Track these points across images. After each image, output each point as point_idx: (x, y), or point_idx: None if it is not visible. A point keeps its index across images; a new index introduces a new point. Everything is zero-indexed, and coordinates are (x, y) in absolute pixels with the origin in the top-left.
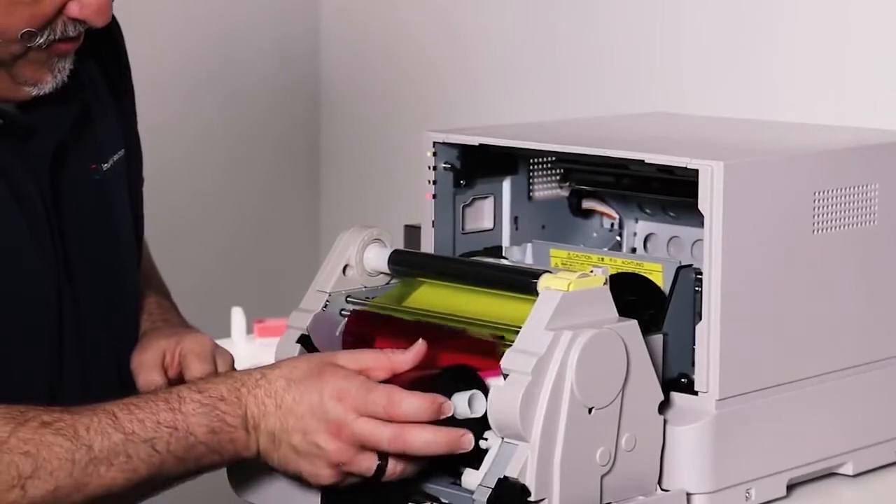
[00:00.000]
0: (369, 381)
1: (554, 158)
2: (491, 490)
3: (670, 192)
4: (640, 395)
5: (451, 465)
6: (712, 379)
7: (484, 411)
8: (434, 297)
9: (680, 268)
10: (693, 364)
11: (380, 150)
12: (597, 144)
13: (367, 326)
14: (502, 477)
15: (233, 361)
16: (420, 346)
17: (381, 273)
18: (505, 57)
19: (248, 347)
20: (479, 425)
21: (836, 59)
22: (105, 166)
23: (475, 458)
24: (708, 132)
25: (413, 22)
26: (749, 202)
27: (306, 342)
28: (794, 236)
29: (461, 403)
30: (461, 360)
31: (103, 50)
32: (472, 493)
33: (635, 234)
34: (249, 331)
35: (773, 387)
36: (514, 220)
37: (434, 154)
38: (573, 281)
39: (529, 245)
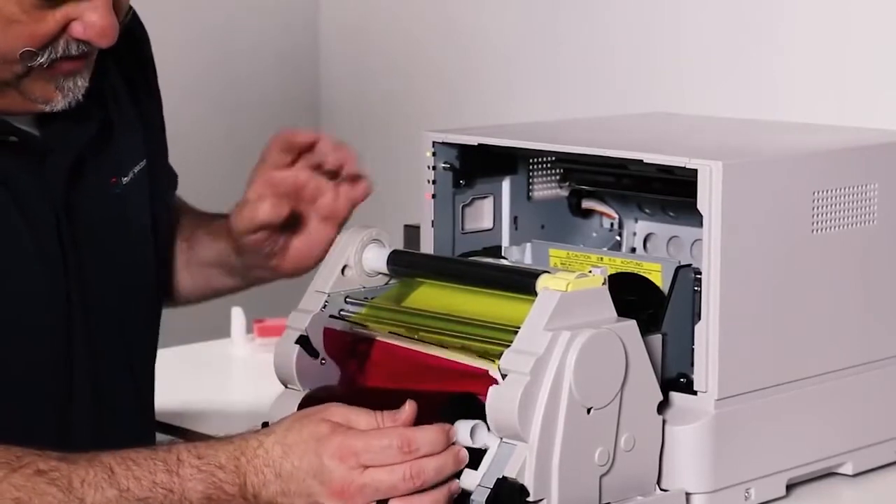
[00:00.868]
0: (370, 431)
1: (553, 158)
2: (490, 490)
3: (670, 192)
4: (638, 395)
5: None
6: (711, 379)
7: (483, 444)
8: (433, 298)
9: (679, 268)
10: (692, 364)
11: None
12: (596, 144)
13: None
14: (501, 477)
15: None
16: (410, 408)
17: (380, 273)
18: (505, 57)
19: (248, 347)
20: (477, 454)
21: (836, 59)
22: (125, 179)
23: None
24: (707, 132)
25: (413, 22)
26: (748, 202)
27: (305, 343)
28: (793, 236)
29: (463, 432)
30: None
31: (127, 58)
32: (470, 493)
33: (635, 233)
34: (249, 331)
35: (773, 386)
36: (514, 220)
37: (433, 154)
38: (572, 281)
39: (529, 245)
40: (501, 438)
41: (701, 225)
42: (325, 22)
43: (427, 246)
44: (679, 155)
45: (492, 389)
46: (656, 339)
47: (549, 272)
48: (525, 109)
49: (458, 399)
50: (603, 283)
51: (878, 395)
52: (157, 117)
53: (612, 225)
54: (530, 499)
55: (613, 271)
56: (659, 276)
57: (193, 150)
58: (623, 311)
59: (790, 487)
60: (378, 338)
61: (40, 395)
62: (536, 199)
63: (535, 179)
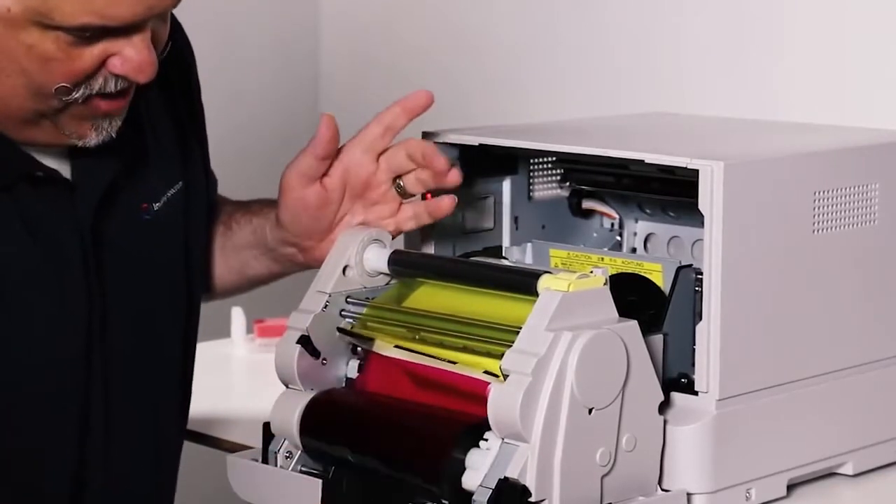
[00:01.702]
0: None
1: (554, 158)
2: (491, 491)
3: (670, 192)
4: (640, 396)
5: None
6: (712, 379)
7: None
8: (434, 298)
9: (680, 268)
10: (693, 364)
11: None
12: (597, 144)
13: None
14: (503, 478)
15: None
16: None
17: (381, 273)
18: (505, 57)
19: (248, 347)
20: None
21: (836, 59)
22: (157, 206)
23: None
24: (708, 132)
25: (413, 22)
26: (749, 202)
27: (307, 343)
28: (794, 236)
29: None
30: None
31: (172, 79)
32: (472, 493)
33: (635, 234)
34: (249, 331)
35: (773, 387)
36: (515, 220)
37: None
38: (573, 281)
39: (529, 245)
40: (503, 439)
41: (702, 225)
42: (325, 22)
43: (427, 246)
44: (680, 155)
45: (493, 390)
46: (657, 339)
47: (550, 272)
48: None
49: (471, 429)
50: (604, 284)
51: (879, 395)
52: (200, 137)
53: (612, 225)
54: (532, 499)
55: (614, 271)
56: (660, 277)
57: None
58: (624, 311)
59: (791, 488)
60: (384, 353)
61: (56, 428)
62: (537, 199)
63: (536, 179)
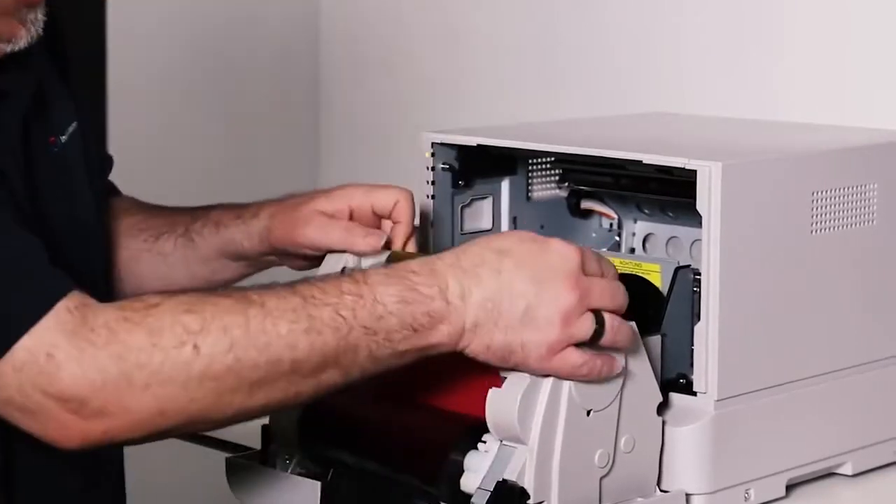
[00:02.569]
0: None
1: (553, 159)
2: (490, 493)
3: (669, 193)
4: (638, 397)
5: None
6: (711, 379)
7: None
8: None
9: (678, 268)
10: (691, 365)
11: (379, 150)
12: (595, 145)
13: None
14: (501, 480)
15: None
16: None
17: None
18: (504, 57)
19: None
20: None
21: (836, 59)
22: (63, 138)
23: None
24: (707, 132)
25: (413, 22)
26: (747, 202)
27: None
28: (792, 236)
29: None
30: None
31: (49, 37)
32: (470, 496)
33: (634, 234)
34: None
35: (772, 387)
36: (513, 220)
37: (433, 155)
38: None
39: None
40: (501, 441)
41: (700, 225)
42: (325, 22)
43: (425, 247)
44: (678, 155)
45: (491, 392)
46: (655, 339)
47: None
48: (525, 109)
49: (469, 431)
50: None
51: (878, 395)
52: (77, 84)
53: (611, 225)
54: (530, 501)
55: None
56: (658, 277)
57: (192, 150)
58: None
59: (790, 488)
60: None
61: None
62: (536, 199)
63: (535, 180)
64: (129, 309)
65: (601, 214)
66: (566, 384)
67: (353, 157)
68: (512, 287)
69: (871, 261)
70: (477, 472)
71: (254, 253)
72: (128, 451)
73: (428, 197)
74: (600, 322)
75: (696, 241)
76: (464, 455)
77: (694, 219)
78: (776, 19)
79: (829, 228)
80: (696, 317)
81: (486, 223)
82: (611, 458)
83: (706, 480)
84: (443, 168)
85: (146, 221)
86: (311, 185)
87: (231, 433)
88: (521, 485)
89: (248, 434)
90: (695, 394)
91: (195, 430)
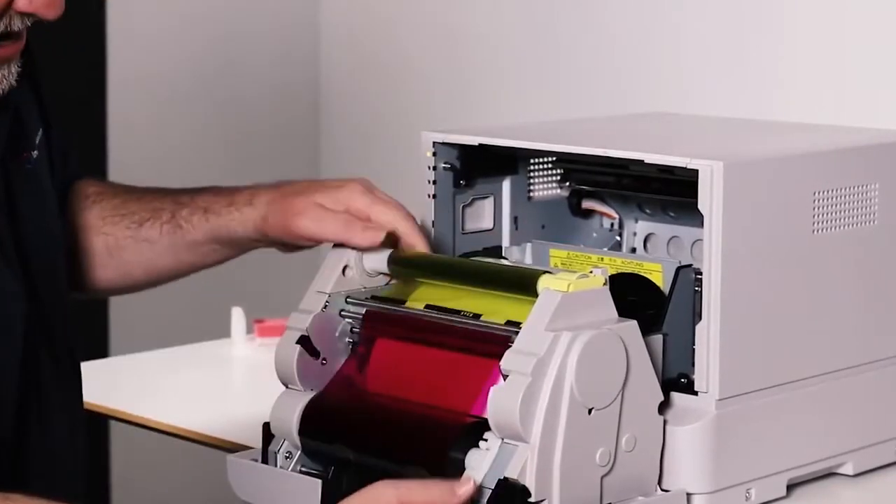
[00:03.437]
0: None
1: (554, 158)
2: (491, 491)
3: (670, 192)
4: (639, 396)
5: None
6: (712, 379)
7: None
8: (433, 298)
9: (680, 268)
10: (693, 364)
11: (379, 150)
12: (597, 144)
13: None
14: (502, 478)
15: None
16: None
17: (381, 273)
18: (505, 57)
19: (248, 347)
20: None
21: (836, 59)
22: (34, 154)
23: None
24: (708, 132)
25: (413, 22)
26: (749, 202)
27: (306, 343)
28: (793, 236)
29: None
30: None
31: None
32: None
33: (635, 234)
34: (249, 331)
35: (773, 387)
36: (514, 220)
37: (434, 154)
38: (573, 281)
39: (529, 245)
40: (503, 439)
41: (701, 225)
42: (325, 22)
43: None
44: (680, 155)
45: (493, 390)
46: (657, 339)
47: (550, 272)
48: (525, 109)
49: (470, 429)
50: (604, 284)
51: (879, 395)
52: (40, 80)
53: (612, 225)
54: (532, 499)
55: (614, 271)
56: (660, 277)
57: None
58: (624, 311)
59: (790, 488)
60: (415, 310)
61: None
62: (537, 199)
63: (536, 179)
64: None
65: (602, 214)
66: (568, 382)
67: (353, 157)
68: None
69: (873, 261)
70: (478, 470)
71: (246, 240)
72: (128, 451)
73: (429, 196)
74: None
75: (697, 240)
76: (465, 453)
77: (695, 218)
78: (776, 19)
79: (831, 228)
80: (697, 316)
81: (487, 223)
82: (612, 456)
83: (707, 480)
84: (444, 167)
85: (125, 206)
86: None
87: (232, 432)
88: (523, 483)
89: (250, 433)
90: (696, 393)
91: None
